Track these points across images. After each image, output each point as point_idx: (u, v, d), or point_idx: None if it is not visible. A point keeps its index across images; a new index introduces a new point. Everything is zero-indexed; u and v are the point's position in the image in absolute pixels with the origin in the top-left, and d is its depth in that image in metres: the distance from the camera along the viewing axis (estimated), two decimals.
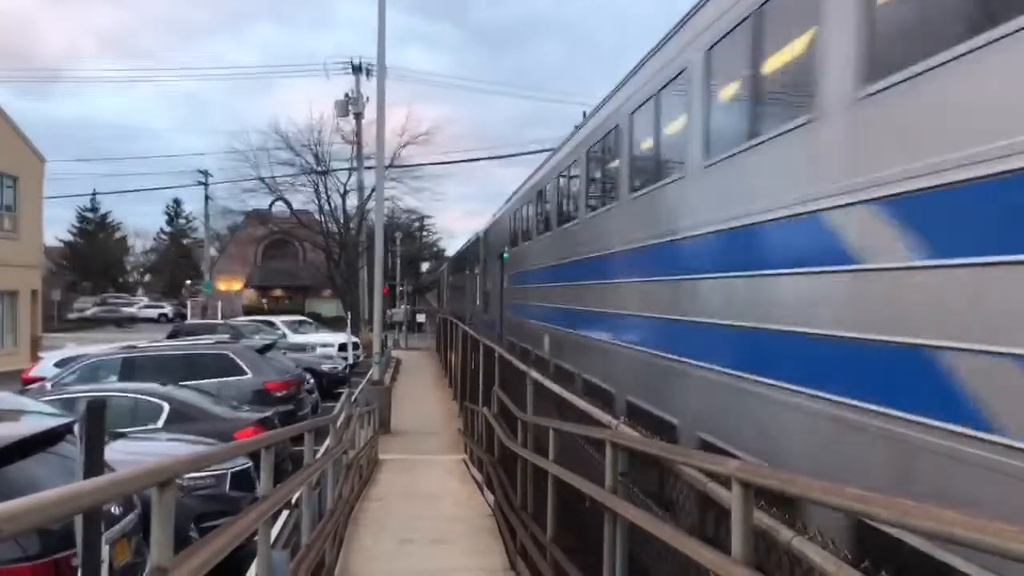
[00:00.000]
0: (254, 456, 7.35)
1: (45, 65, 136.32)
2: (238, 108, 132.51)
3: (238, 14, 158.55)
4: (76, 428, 7.69)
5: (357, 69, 40.33)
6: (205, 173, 50.36)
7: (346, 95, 40.79)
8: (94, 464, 3.20)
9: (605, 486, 4.40)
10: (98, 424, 3.23)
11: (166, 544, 2.45)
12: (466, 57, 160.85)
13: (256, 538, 4.28)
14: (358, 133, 41.15)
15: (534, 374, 8.36)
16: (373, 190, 35.39)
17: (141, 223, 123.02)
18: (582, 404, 6.03)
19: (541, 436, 7.52)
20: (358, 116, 40.83)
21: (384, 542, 8.86)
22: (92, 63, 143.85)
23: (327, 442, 8.00)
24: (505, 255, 20.64)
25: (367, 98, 40.12)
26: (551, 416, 7.30)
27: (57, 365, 16.79)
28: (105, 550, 3.81)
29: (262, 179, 43.27)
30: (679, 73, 7.43)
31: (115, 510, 5.85)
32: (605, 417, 5.13)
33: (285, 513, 9.09)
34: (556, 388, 6.89)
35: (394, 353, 36.72)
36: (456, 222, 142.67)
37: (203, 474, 8.50)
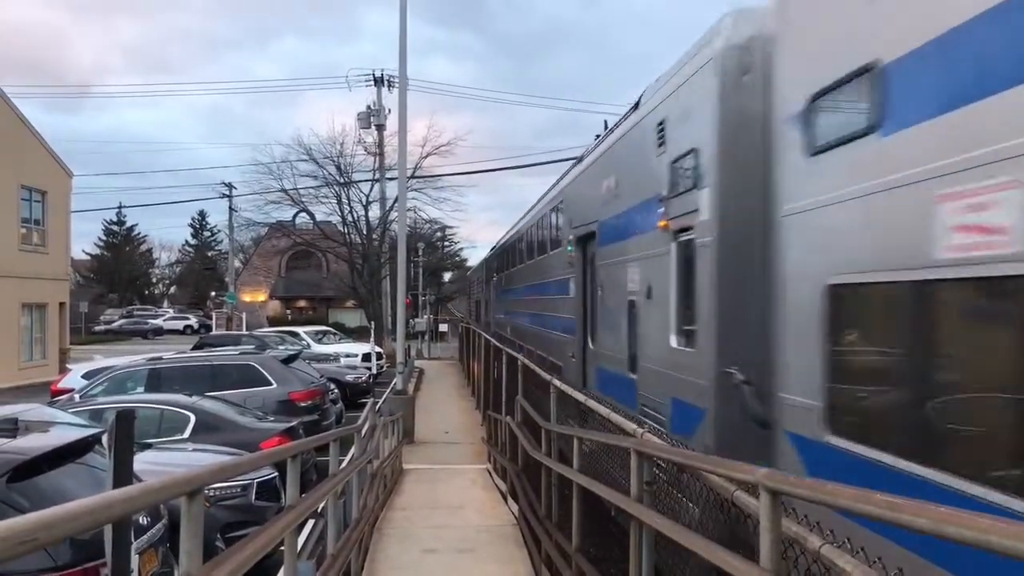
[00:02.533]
0: (280, 466, 7.39)
1: (72, 80, 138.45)
2: (262, 121, 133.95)
3: (264, 28, 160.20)
4: (104, 438, 7.77)
5: (379, 81, 40.67)
6: (229, 186, 50.85)
7: (368, 107, 41.13)
8: (123, 473, 3.24)
9: (631, 495, 4.38)
10: (127, 434, 3.26)
11: (196, 553, 2.47)
12: (489, 67, 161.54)
13: (282, 547, 4.30)
14: (380, 144, 41.46)
15: (557, 383, 8.34)
16: (395, 201, 35.68)
17: (166, 236, 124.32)
18: (603, 411, 6.01)
19: (565, 445, 7.51)
20: (380, 128, 41.14)
21: (409, 551, 8.86)
22: (118, 77, 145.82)
23: (352, 452, 8.03)
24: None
25: (388, 110, 40.47)
26: (575, 426, 7.30)
27: (85, 377, 16.99)
28: (135, 560, 3.84)
29: (285, 191, 43.68)
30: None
31: (143, 520, 5.91)
32: (630, 425, 5.11)
33: (311, 522, 9.13)
34: (580, 396, 6.88)
35: (417, 363, 36.83)
36: (478, 232, 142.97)
37: (229, 484, 8.56)
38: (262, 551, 2.96)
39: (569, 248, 12.81)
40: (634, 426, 5.05)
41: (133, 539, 5.71)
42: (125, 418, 3.16)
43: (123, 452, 3.21)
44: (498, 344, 17.46)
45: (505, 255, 26.18)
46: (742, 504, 3.20)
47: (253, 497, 8.86)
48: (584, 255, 12.08)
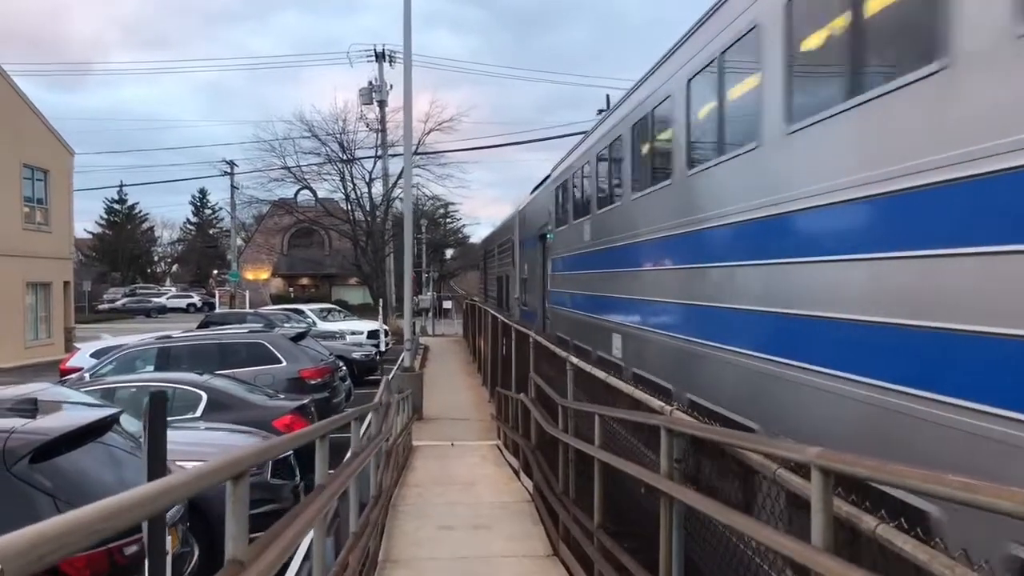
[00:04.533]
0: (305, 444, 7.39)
1: (72, 58, 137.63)
2: (264, 97, 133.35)
3: (265, 1, 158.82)
4: (139, 419, 7.73)
5: (381, 57, 40.33)
6: (231, 163, 50.63)
7: (370, 83, 40.86)
8: (158, 455, 3.21)
9: (661, 471, 4.35)
10: (161, 415, 3.23)
11: (241, 537, 2.43)
12: (493, 39, 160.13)
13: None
14: (382, 120, 41.22)
15: (573, 359, 8.31)
16: (399, 177, 35.47)
17: (168, 213, 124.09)
18: (626, 388, 5.98)
19: (581, 422, 7.48)
20: (382, 104, 40.88)
21: (425, 528, 8.88)
22: (118, 54, 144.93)
23: (369, 429, 8.01)
24: None
25: (391, 86, 40.22)
26: (587, 401, 7.27)
27: (94, 356, 16.97)
28: (168, 539, 3.82)
29: (288, 168, 43.48)
30: None
31: None
32: (655, 402, 5.07)
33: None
34: (600, 374, 6.83)
35: (422, 340, 36.85)
36: (481, 208, 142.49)
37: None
38: (303, 533, 2.94)
39: None
40: (660, 403, 5.01)
41: None
42: (159, 400, 3.12)
43: (158, 434, 3.17)
44: (507, 321, 17.41)
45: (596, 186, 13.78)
46: (784, 482, 3.17)
47: (269, 475, 8.86)
48: None
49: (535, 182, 23.13)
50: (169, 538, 4.19)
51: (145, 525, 3.14)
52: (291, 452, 9.00)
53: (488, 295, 37.45)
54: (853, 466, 2.41)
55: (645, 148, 10.45)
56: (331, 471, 4.35)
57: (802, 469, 2.86)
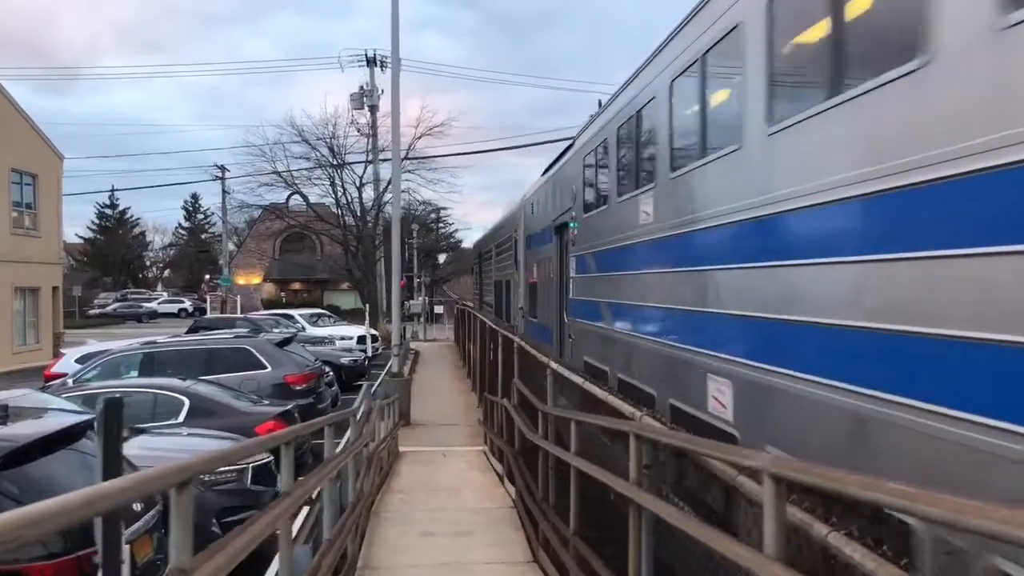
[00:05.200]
0: (274, 450, 7.35)
1: (62, 62, 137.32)
2: (256, 101, 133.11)
3: (257, 3, 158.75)
4: (95, 425, 7.65)
5: (371, 62, 40.32)
6: (222, 168, 50.53)
7: (361, 88, 40.85)
8: (112, 461, 3.17)
9: (629, 479, 4.33)
10: (116, 421, 3.19)
11: (185, 545, 2.40)
12: (484, 43, 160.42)
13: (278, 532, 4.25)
14: (373, 126, 41.21)
15: (554, 365, 8.29)
16: (389, 182, 35.39)
17: (160, 218, 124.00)
18: (601, 394, 5.96)
19: (563, 428, 7.46)
20: (373, 109, 40.86)
21: (407, 534, 8.84)
22: (109, 58, 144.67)
23: (348, 435, 7.98)
24: None
25: (382, 91, 40.19)
26: (573, 409, 7.24)
27: (78, 361, 16.88)
28: (125, 549, 3.78)
29: (278, 173, 43.41)
30: None
31: (136, 507, 5.85)
32: (627, 408, 5.06)
33: (306, 507, 9.08)
34: (576, 379, 6.82)
35: (412, 345, 36.76)
36: (472, 213, 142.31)
37: (225, 469, 8.50)
38: (256, 540, 2.91)
39: None
40: (632, 409, 5.00)
41: (127, 526, 5.67)
42: (114, 404, 3.08)
43: (112, 438, 3.13)
44: (494, 325, 17.32)
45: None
46: (745, 490, 3.15)
47: (249, 481, 8.82)
48: None
49: (527, 187, 21.66)
50: (128, 546, 4.16)
51: (100, 534, 3.10)
52: (271, 459, 8.96)
53: (484, 303, 32.19)
54: (801, 473, 2.40)
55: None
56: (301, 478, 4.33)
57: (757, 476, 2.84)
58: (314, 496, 6.90)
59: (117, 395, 3.18)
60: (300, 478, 4.76)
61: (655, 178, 8.82)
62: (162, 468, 2.34)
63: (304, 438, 10.30)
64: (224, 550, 2.54)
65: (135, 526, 5.68)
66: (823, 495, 2.62)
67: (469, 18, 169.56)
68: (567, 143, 15.87)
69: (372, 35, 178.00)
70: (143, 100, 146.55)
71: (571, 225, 13.32)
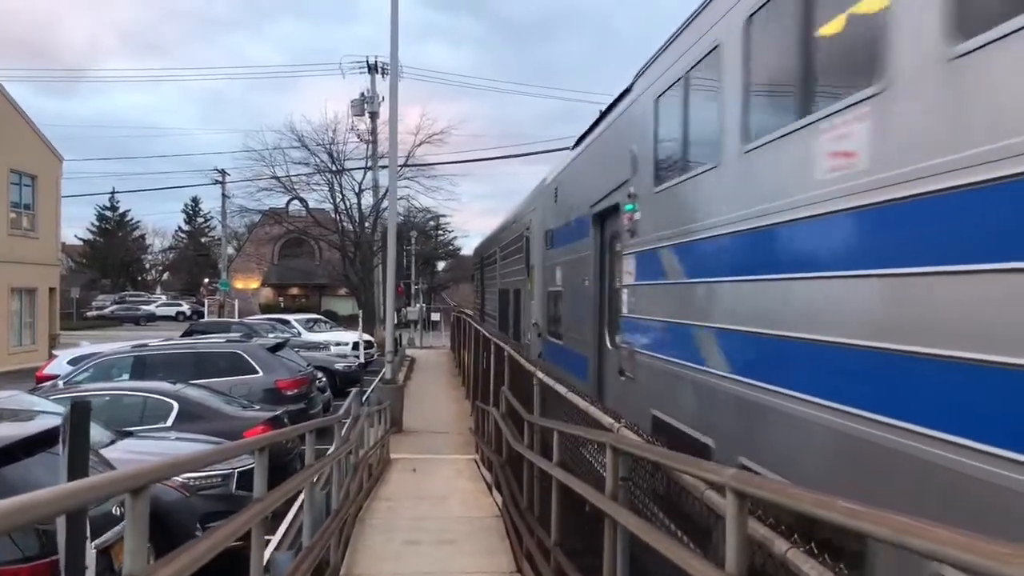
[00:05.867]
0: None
1: (63, 63, 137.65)
2: (258, 105, 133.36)
3: (260, 9, 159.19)
4: (105, 427, 7.60)
5: (372, 68, 40.40)
6: (222, 172, 50.58)
7: (361, 95, 40.90)
8: (78, 464, 3.15)
9: (606, 491, 4.31)
10: (82, 425, 3.17)
11: (140, 552, 2.38)
12: (488, 52, 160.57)
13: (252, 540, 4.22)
14: (373, 132, 41.27)
15: (540, 375, 8.27)
16: (387, 190, 35.42)
17: (160, 221, 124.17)
18: (582, 404, 5.94)
19: (548, 438, 7.43)
20: (373, 115, 40.92)
21: (391, 542, 8.81)
22: (111, 61, 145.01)
23: (335, 441, 7.96)
24: None
25: (382, 97, 40.21)
26: (562, 419, 7.21)
27: (70, 363, 16.87)
28: (91, 554, 3.76)
29: (278, 178, 43.47)
30: None
31: (116, 511, 5.82)
32: (607, 419, 5.03)
33: (291, 514, 9.05)
34: (561, 389, 6.79)
35: (409, 352, 36.69)
36: (472, 221, 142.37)
37: (209, 473, 8.48)
38: (218, 547, 2.88)
39: None
40: (610, 420, 4.97)
41: (107, 530, 5.64)
42: (80, 409, 3.07)
43: (78, 441, 3.12)
44: (487, 333, 17.25)
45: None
46: (712, 504, 3.13)
47: (234, 486, 8.78)
48: None
49: (526, 194, 17.53)
50: (93, 552, 4.13)
51: (62, 539, 3.08)
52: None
53: (486, 315, 26.79)
54: (761, 488, 2.38)
55: None
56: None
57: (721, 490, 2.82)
58: (299, 503, 6.88)
59: (106, 397, 3.16)
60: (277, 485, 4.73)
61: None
62: (115, 474, 2.32)
63: (293, 444, 10.27)
64: (182, 556, 2.52)
65: (114, 530, 5.65)
66: (787, 512, 2.61)
67: (473, 26, 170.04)
68: (566, 151, 13.87)
69: (375, 42, 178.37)
70: (145, 103, 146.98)
71: (628, 208, 9.01)
